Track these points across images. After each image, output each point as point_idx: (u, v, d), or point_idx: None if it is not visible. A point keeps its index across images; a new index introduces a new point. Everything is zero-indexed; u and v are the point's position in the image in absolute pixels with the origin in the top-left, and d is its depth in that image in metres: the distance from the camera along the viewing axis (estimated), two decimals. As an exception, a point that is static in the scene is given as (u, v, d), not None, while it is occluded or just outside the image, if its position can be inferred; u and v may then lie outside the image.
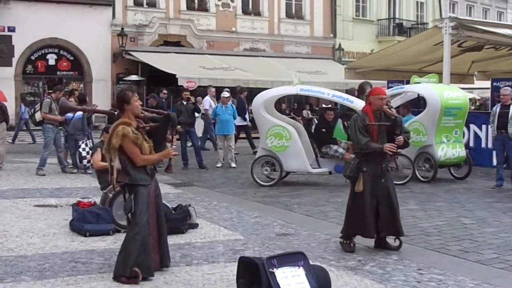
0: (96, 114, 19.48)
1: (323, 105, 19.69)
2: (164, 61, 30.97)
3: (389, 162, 8.38)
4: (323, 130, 14.84)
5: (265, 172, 14.49)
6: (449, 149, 14.77)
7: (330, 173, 14.68)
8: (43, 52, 31.51)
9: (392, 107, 9.19)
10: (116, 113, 7.00)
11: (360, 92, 15.14)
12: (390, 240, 8.34)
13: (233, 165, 17.88)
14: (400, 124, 8.32)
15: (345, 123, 14.64)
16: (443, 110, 14.51)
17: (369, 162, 8.13)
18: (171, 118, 7.02)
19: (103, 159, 10.71)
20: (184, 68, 30.44)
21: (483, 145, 17.20)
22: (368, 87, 13.38)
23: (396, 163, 9.87)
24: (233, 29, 36.06)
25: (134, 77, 31.78)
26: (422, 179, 14.58)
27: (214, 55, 33.92)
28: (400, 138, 8.22)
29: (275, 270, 6.02)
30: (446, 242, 8.86)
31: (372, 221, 8.12)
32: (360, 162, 8.15)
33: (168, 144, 8.41)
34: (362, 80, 17.91)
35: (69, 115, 15.84)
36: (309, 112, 32.22)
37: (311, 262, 6.43)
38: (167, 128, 7.04)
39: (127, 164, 6.70)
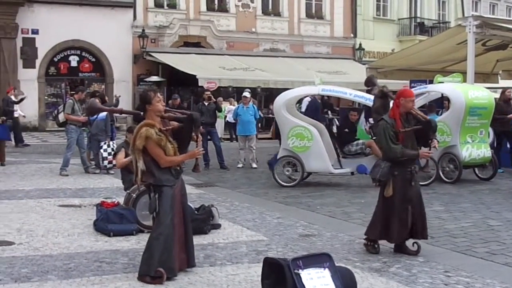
0: (116, 115, 19.49)
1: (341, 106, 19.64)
2: (184, 62, 31.05)
3: (424, 167, 8.25)
4: (346, 130, 14.80)
5: (287, 173, 14.46)
6: (474, 150, 14.59)
7: (352, 173, 14.62)
8: (65, 54, 31.70)
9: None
10: (141, 113, 6.99)
11: (368, 85, 14.95)
12: (409, 244, 8.21)
13: (254, 165, 17.87)
14: (435, 128, 8.18)
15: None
16: (467, 110, 14.35)
17: (399, 165, 7.94)
18: (195, 118, 7.01)
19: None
20: (204, 69, 30.50)
21: (508, 145, 16.99)
22: (376, 80, 13.22)
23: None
24: (253, 29, 36.05)
25: (154, 78, 31.86)
26: (446, 180, 14.41)
27: (234, 56, 33.94)
28: (435, 143, 8.11)
29: (300, 271, 6.00)
30: (472, 244, 8.77)
31: (398, 227, 7.96)
32: (392, 166, 7.94)
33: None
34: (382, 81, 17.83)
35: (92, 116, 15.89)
36: (329, 112, 32.10)
37: (336, 264, 6.40)
38: (191, 129, 7.02)
39: (151, 165, 6.72)
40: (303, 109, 19.78)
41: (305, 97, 16.08)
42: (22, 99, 24.85)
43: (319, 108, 16.29)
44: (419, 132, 8.07)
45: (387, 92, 10.84)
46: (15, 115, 23.38)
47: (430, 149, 8.25)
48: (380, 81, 17.43)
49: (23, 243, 8.51)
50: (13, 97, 23.74)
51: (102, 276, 7.02)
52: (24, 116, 25.61)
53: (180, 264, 6.93)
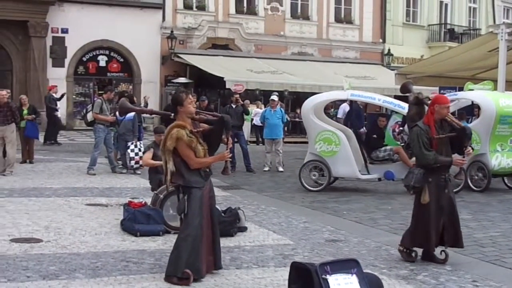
0: (144, 115, 19.56)
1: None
2: (212, 64, 31.10)
3: (458, 174, 8.16)
4: (374, 136, 14.74)
5: (313, 177, 14.43)
6: (504, 158, 14.42)
7: (379, 179, 14.54)
8: (94, 53, 31.93)
9: None
10: (172, 115, 7.00)
11: (403, 92, 14.83)
12: (436, 252, 8.11)
13: (281, 169, 17.85)
14: (469, 136, 8.07)
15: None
16: (498, 118, 14.20)
17: (433, 172, 7.84)
18: (226, 121, 7.00)
19: (154, 159, 10.81)
20: (232, 71, 30.52)
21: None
22: (412, 87, 13.12)
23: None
24: (282, 33, 36.01)
25: (182, 80, 31.95)
26: (474, 188, 14.29)
27: (262, 59, 33.94)
28: (469, 150, 8.02)
29: (328, 276, 5.95)
30: (501, 254, 8.67)
31: (435, 234, 7.87)
32: (426, 173, 7.83)
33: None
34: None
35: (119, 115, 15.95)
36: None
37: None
38: (222, 131, 7.02)
39: (181, 166, 6.73)
40: (340, 115, 19.73)
41: (341, 102, 16.01)
42: (62, 96, 25.19)
43: (362, 115, 16.18)
44: (453, 139, 7.97)
45: (423, 98, 10.72)
46: (57, 114, 23.80)
47: (464, 157, 8.15)
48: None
49: (51, 240, 8.57)
50: (54, 95, 24.10)
51: (129, 276, 7.04)
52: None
53: (207, 266, 6.92)
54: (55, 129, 23.94)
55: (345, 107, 18.97)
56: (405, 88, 12.83)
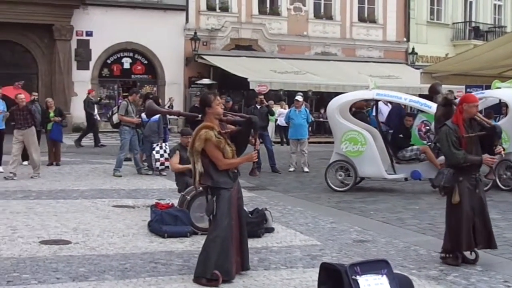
0: (170, 117, 19.59)
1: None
2: (235, 65, 31.11)
3: (488, 174, 8.08)
4: (401, 135, 14.65)
5: (339, 177, 14.38)
6: (532, 157, 14.29)
7: (406, 179, 14.46)
8: (118, 56, 32.07)
9: None
10: (199, 116, 7.01)
11: (432, 93, 14.72)
12: (466, 252, 7.99)
13: (306, 169, 17.82)
14: (499, 134, 7.98)
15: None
16: (526, 116, 14.07)
17: (463, 172, 7.76)
18: (253, 121, 6.99)
19: (181, 162, 10.83)
20: (256, 72, 30.51)
21: None
22: (440, 88, 13.01)
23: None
24: (305, 33, 35.95)
25: (206, 81, 32.02)
26: (503, 187, 14.13)
27: (285, 59, 33.89)
28: (500, 149, 7.93)
29: (358, 277, 5.92)
30: (532, 253, 8.59)
31: (467, 235, 7.74)
32: (456, 172, 7.75)
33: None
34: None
35: (145, 117, 15.97)
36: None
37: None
38: (250, 132, 7.01)
39: (209, 167, 6.73)
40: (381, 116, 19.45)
41: (376, 102, 15.89)
42: (100, 100, 25.38)
43: (404, 115, 16.05)
44: (483, 138, 7.87)
45: (452, 99, 10.62)
46: (96, 117, 24.04)
47: (495, 156, 8.05)
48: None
49: (79, 242, 8.62)
50: (93, 98, 24.31)
51: (157, 277, 7.05)
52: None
53: (235, 268, 6.91)
54: (94, 131, 24.11)
55: (381, 106, 18.81)
56: (433, 89, 12.75)
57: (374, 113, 18.14)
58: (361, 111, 15.07)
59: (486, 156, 7.88)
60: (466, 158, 7.69)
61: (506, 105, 15.19)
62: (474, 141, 7.84)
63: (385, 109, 19.36)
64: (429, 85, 21.73)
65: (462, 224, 7.73)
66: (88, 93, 25.12)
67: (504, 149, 8.23)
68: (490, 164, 7.91)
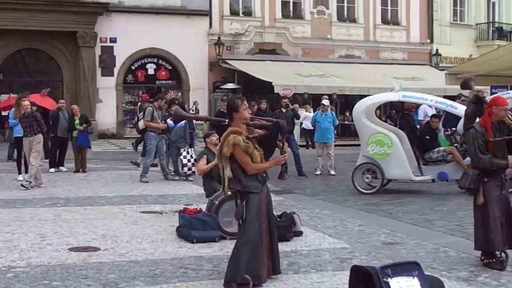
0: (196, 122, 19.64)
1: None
2: (259, 69, 31.13)
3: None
4: (427, 137, 14.58)
5: (366, 180, 14.35)
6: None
7: (433, 180, 14.40)
8: (142, 62, 32.21)
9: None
10: (226, 121, 7.02)
11: (464, 88, 14.53)
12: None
13: (333, 172, 17.80)
14: None
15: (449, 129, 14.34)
16: (552, 116, 13.91)
17: (489, 173, 7.73)
18: (281, 125, 7.00)
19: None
20: (280, 75, 30.51)
21: None
22: (473, 84, 12.88)
23: None
24: (328, 36, 35.88)
25: (230, 85, 32.06)
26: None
27: (309, 63, 33.84)
28: None
29: (389, 280, 5.88)
30: (563, 253, 8.49)
31: (499, 234, 7.66)
32: (480, 174, 7.72)
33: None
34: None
35: (171, 123, 16.03)
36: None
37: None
38: (277, 136, 7.02)
39: (238, 172, 6.74)
40: (421, 117, 19.28)
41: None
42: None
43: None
44: (510, 142, 7.82)
45: (482, 97, 10.53)
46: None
47: None
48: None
49: (108, 249, 8.67)
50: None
51: (188, 282, 7.08)
52: None
53: (267, 272, 6.91)
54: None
55: (425, 108, 18.70)
56: (466, 85, 12.59)
57: (420, 117, 17.89)
58: (409, 113, 14.93)
59: None
60: (492, 162, 7.66)
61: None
62: (501, 145, 7.80)
63: (430, 112, 19.22)
64: (454, 87, 21.66)
65: (490, 225, 7.68)
66: (144, 100, 25.11)
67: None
68: None
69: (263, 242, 6.82)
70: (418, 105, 18.48)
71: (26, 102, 15.32)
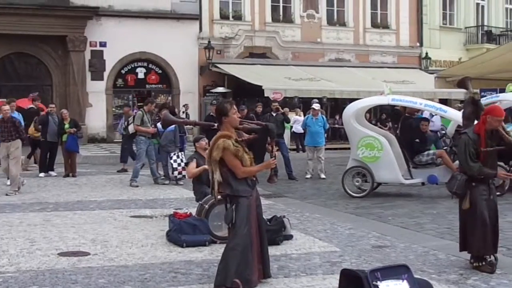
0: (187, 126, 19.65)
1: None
2: (250, 73, 31.12)
3: (500, 186, 8.01)
4: (417, 140, 14.61)
5: (356, 183, 14.39)
6: (548, 159, 14.20)
7: (422, 184, 14.43)
8: (132, 66, 32.09)
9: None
10: (215, 126, 7.02)
11: (460, 87, 14.47)
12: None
13: (323, 176, 17.82)
14: None
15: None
16: (541, 119, 14.02)
17: (477, 178, 7.72)
18: (270, 129, 7.01)
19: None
20: (270, 79, 30.50)
21: None
22: (469, 83, 12.86)
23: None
24: (318, 40, 35.92)
25: (220, 89, 32.03)
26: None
27: (299, 66, 33.86)
28: None
29: (378, 283, 5.91)
30: (551, 256, 8.55)
31: (479, 239, 7.64)
32: (468, 179, 7.73)
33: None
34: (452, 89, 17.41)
35: (161, 127, 16.01)
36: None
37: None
38: (267, 139, 7.03)
39: (228, 176, 6.73)
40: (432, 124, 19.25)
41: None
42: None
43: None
44: (502, 152, 7.85)
45: (478, 100, 10.52)
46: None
47: (509, 170, 8.00)
48: (449, 91, 17.09)
49: (98, 253, 8.64)
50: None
51: (177, 287, 7.09)
52: None
53: (257, 275, 6.91)
54: None
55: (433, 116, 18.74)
56: (462, 84, 12.53)
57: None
58: (411, 116, 14.95)
59: (501, 172, 7.82)
60: (481, 171, 7.66)
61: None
62: (492, 154, 7.81)
63: (436, 117, 19.26)
64: (443, 90, 21.74)
65: (477, 230, 7.68)
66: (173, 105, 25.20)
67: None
68: (504, 179, 7.84)
69: (253, 246, 6.81)
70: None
71: (7, 107, 15.17)
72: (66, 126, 18.05)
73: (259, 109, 18.74)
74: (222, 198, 6.97)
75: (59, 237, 9.71)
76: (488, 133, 7.76)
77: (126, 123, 17.37)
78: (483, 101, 14.64)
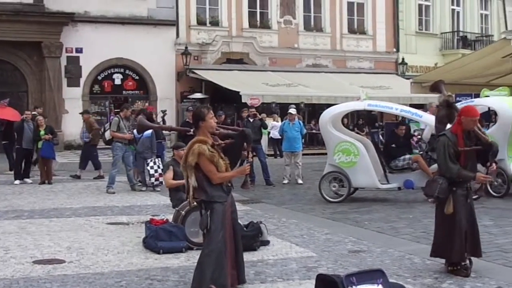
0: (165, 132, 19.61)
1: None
2: (227, 79, 31.14)
3: (478, 189, 8.05)
4: (393, 145, 14.69)
5: (333, 188, 14.42)
6: (522, 164, 14.35)
7: (399, 188, 14.49)
8: (109, 72, 31.99)
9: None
10: (191, 131, 7.01)
11: (433, 91, 14.52)
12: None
13: (300, 181, 17.85)
14: (495, 153, 7.89)
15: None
16: (516, 124, 14.14)
17: (456, 182, 7.71)
18: (246, 134, 7.01)
19: (175, 177, 10.81)
20: (247, 85, 30.54)
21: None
22: (442, 86, 12.94)
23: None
24: (295, 45, 36.02)
25: (198, 95, 32.00)
26: (494, 194, 14.21)
27: (276, 72, 33.94)
28: (493, 167, 7.90)
29: (354, 287, 5.93)
30: (525, 258, 8.62)
31: (460, 244, 7.66)
32: (449, 183, 7.69)
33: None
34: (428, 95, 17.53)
35: (137, 133, 15.94)
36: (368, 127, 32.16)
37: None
38: (242, 145, 7.02)
39: (203, 181, 6.71)
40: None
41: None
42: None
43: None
44: (479, 152, 7.83)
45: (453, 102, 10.57)
46: None
47: (487, 173, 8.03)
48: (425, 96, 17.19)
49: (73, 261, 8.58)
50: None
51: (154, 293, 7.05)
52: None
53: (231, 281, 6.89)
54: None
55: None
56: (435, 87, 12.58)
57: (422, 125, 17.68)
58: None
59: (479, 175, 7.84)
60: (460, 173, 7.66)
61: (495, 113, 15.25)
62: (471, 156, 7.81)
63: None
64: (419, 95, 21.88)
65: (455, 235, 7.68)
66: (150, 112, 24.99)
67: (497, 166, 8.13)
68: (483, 182, 7.88)
69: (227, 251, 6.79)
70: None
71: None
72: (42, 132, 17.92)
73: (245, 114, 18.71)
74: (197, 204, 6.95)
75: (34, 245, 9.63)
76: (465, 133, 7.77)
77: (103, 129, 17.26)
78: (459, 106, 14.79)
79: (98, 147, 20.23)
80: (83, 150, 20.01)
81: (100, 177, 18.68)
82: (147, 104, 31.94)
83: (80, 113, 21.53)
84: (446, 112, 10.83)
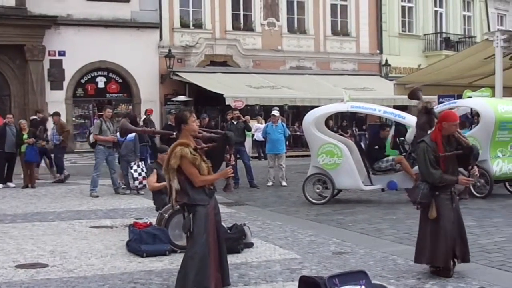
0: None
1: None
2: (211, 81, 31.14)
3: (462, 192, 8.08)
4: (376, 147, 14.75)
5: (317, 190, 14.45)
6: (505, 164, 14.46)
7: (382, 190, 14.54)
8: (92, 75, 31.90)
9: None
10: (174, 134, 7.00)
11: (411, 98, 14.62)
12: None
13: (284, 183, 17.87)
14: (476, 156, 7.90)
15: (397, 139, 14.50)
16: (497, 124, 14.25)
17: (439, 187, 7.71)
18: (229, 137, 7.01)
19: (158, 180, 10.80)
20: (231, 87, 30.56)
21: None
22: (420, 94, 13.01)
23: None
24: (279, 47, 36.08)
25: (182, 98, 31.96)
26: (477, 195, 14.29)
27: (260, 74, 33.97)
28: (475, 170, 7.94)
29: (337, 289, 5.97)
30: (507, 259, 8.67)
31: (445, 249, 7.65)
32: (432, 187, 7.69)
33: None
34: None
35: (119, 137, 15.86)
36: (356, 129, 32.16)
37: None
38: (225, 148, 7.03)
39: (186, 184, 6.69)
40: None
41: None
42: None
43: None
44: (460, 156, 7.83)
45: (431, 109, 10.64)
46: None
47: (469, 176, 8.07)
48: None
49: (56, 265, 8.56)
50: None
51: (137, 297, 7.04)
52: None
53: (215, 284, 6.89)
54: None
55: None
56: (413, 95, 12.64)
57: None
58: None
59: (462, 178, 7.86)
60: (442, 178, 7.65)
61: (478, 114, 15.36)
62: (452, 160, 7.80)
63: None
64: (402, 97, 21.97)
65: (440, 240, 7.68)
66: (149, 114, 25.00)
67: (478, 166, 8.18)
68: (466, 185, 7.92)
69: (211, 254, 6.79)
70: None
71: None
72: (25, 136, 17.84)
73: (230, 116, 18.70)
74: (180, 207, 6.94)
75: (17, 249, 9.59)
76: (445, 138, 7.77)
77: (87, 132, 17.21)
78: (441, 107, 14.92)
79: (83, 150, 20.15)
80: (54, 153, 19.82)
81: (60, 181, 18.67)
82: (130, 107, 31.90)
83: (50, 115, 21.38)
84: (426, 119, 10.91)
